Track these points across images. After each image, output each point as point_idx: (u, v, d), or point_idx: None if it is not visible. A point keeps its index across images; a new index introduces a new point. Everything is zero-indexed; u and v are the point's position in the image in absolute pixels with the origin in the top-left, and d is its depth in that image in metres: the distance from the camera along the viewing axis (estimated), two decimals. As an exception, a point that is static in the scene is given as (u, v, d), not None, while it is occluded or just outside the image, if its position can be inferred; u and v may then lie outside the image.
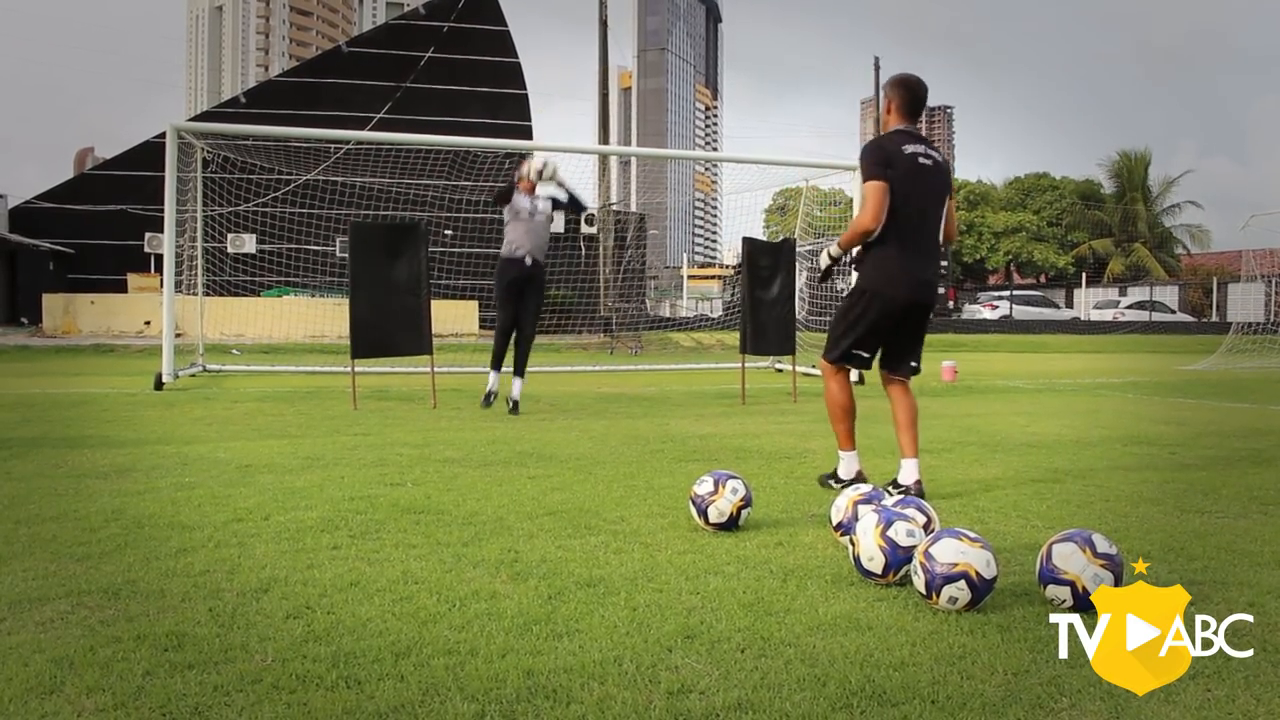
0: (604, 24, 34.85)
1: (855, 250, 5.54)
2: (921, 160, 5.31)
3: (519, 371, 10.54)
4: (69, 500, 5.23)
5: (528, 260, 10.31)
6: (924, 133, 5.51)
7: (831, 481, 5.72)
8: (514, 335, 10.55)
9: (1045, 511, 5.18)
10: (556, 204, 10.62)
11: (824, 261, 5.72)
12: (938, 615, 3.39)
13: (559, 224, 10.38)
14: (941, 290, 46.92)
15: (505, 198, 10.41)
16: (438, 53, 36.85)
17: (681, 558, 4.15)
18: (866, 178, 5.27)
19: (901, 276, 5.34)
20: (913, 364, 5.63)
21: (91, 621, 3.25)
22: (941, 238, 5.50)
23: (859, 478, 5.62)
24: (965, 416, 9.94)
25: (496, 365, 10.59)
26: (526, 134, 36.56)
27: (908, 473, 5.45)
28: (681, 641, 3.10)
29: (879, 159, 5.25)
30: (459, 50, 37.18)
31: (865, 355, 5.56)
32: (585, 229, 27.89)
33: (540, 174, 10.32)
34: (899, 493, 5.15)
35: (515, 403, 10.38)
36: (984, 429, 8.74)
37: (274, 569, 3.91)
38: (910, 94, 5.43)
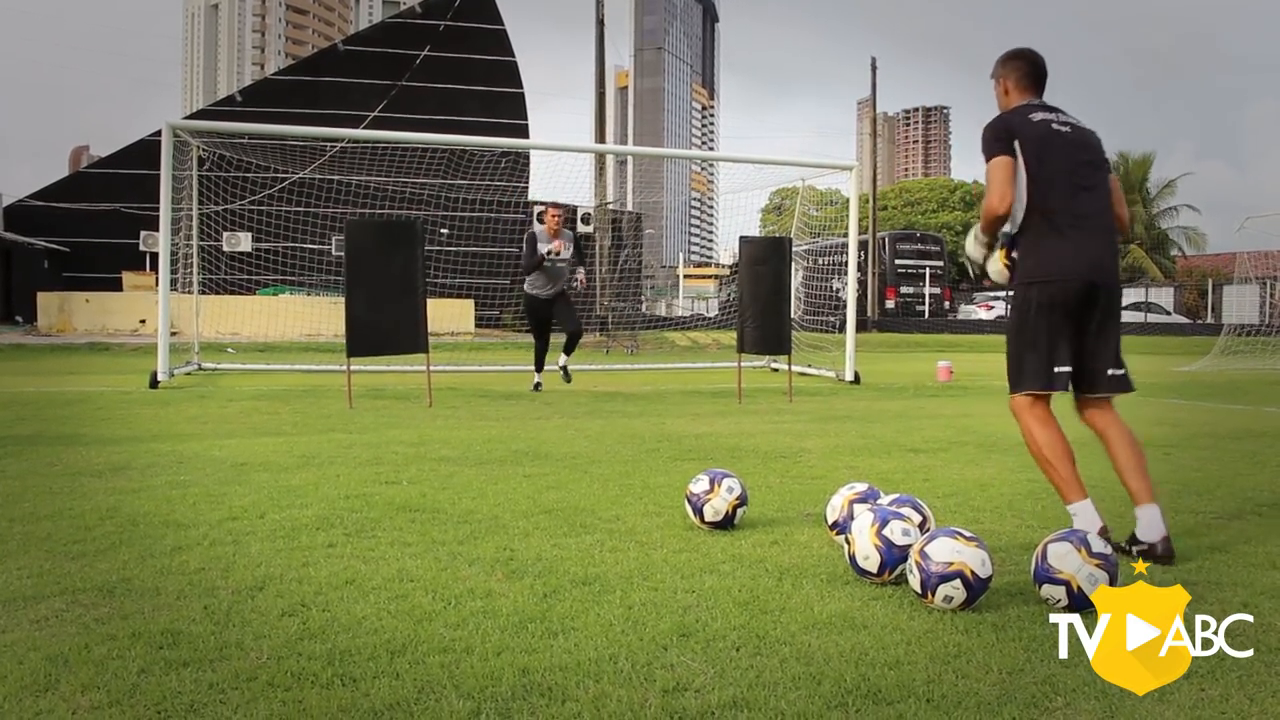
0: (601, 23, 34.83)
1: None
2: (1056, 126, 4.47)
3: (568, 350, 12.39)
4: (64, 498, 5.23)
5: (548, 295, 12.08)
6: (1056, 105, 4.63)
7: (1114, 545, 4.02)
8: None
9: (1040, 511, 5.19)
10: (576, 248, 12.09)
11: (975, 252, 4.75)
12: (933, 614, 3.39)
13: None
14: (937, 291, 47.06)
15: (536, 265, 11.91)
16: (434, 51, 36.82)
17: (677, 556, 4.15)
18: (987, 156, 4.45)
19: (1065, 258, 4.35)
20: (1111, 372, 4.51)
21: (86, 619, 3.25)
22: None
23: (1104, 534, 4.22)
24: (961, 416, 9.94)
25: (539, 367, 12.57)
26: (523, 133, 36.56)
27: (1148, 526, 4.28)
28: (677, 639, 3.10)
29: (997, 133, 4.45)
30: (455, 49, 37.14)
31: (1065, 369, 4.45)
32: (581, 228, 27.89)
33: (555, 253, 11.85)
34: (1139, 551, 4.24)
35: (565, 369, 12.46)
36: (979, 429, 8.75)
37: (269, 567, 3.91)
38: (1028, 64, 4.69)
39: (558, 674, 2.80)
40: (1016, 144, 4.39)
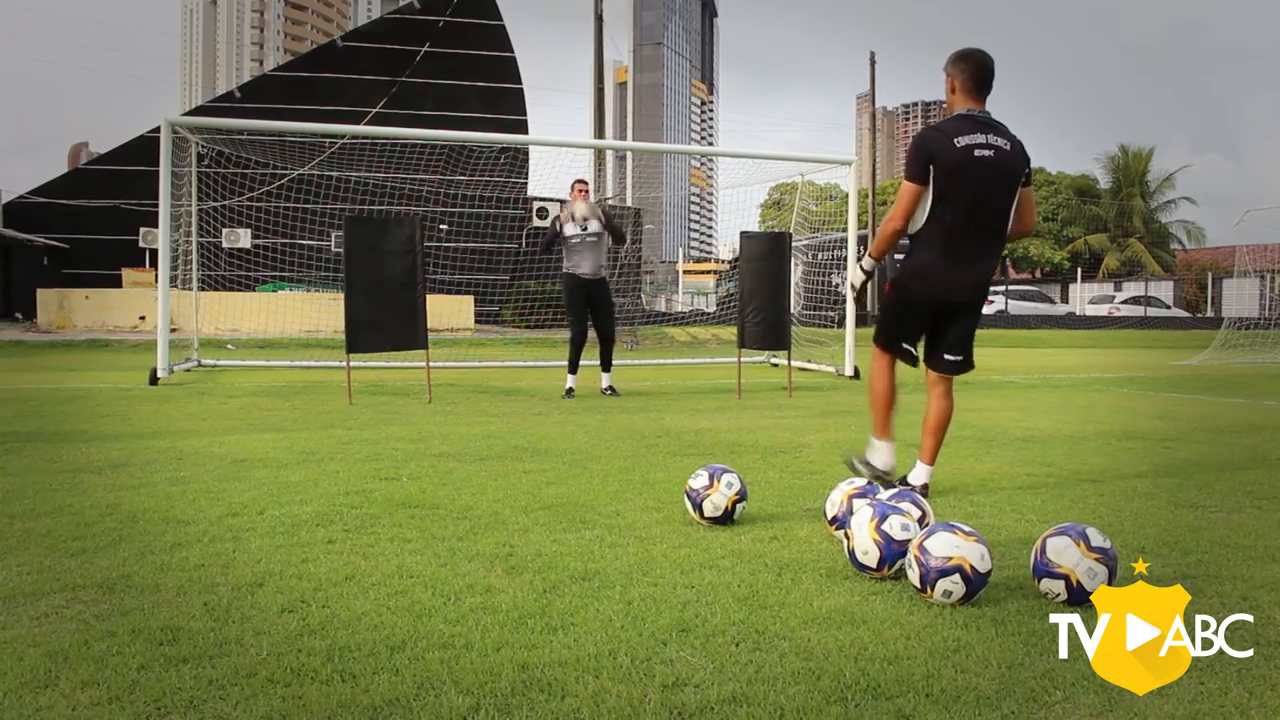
0: (599, 18, 34.80)
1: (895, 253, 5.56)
2: (979, 153, 4.85)
3: (605, 367, 11.58)
4: (64, 495, 5.23)
5: (587, 275, 11.21)
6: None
7: (858, 464, 5.46)
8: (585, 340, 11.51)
9: (1039, 506, 5.19)
10: (604, 223, 11.34)
11: (856, 277, 5.52)
12: (932, 609, 3.40)
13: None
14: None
15: (550, 245, 11.48)
16: (433, 47, 36.78)
17: (676, 552, 4.15)
18: (904, 174, 5.01)
19: (934, 276, 5.07)
20: (949, 357, 5.30)
21: (86, 616, 3.25)
22: (1009, 230, 5.11)
23: (885, 474, 5.37)
24: (960, 411, 9.90)
25: (573, 369, 11.51)
26: (522, 128, 36.50)
27: (918, 474, 5.39)
28: (676, 635, 3.10)
29: (919, 156, 4.93)
30: (454, 45, 37.10)
31: (907, 348, 5.35)
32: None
33: (582, 216, 11.20)
34: (900, 487, 4.95)
35: (611, 388, 11.59)
36: (979, 424, 8.75)
37: (269, 563, 3.91)
38: (976, 67, 4.95)
39: (557, 669, 2.81)
40: (932, 169, 4.91)
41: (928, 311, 5.22)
